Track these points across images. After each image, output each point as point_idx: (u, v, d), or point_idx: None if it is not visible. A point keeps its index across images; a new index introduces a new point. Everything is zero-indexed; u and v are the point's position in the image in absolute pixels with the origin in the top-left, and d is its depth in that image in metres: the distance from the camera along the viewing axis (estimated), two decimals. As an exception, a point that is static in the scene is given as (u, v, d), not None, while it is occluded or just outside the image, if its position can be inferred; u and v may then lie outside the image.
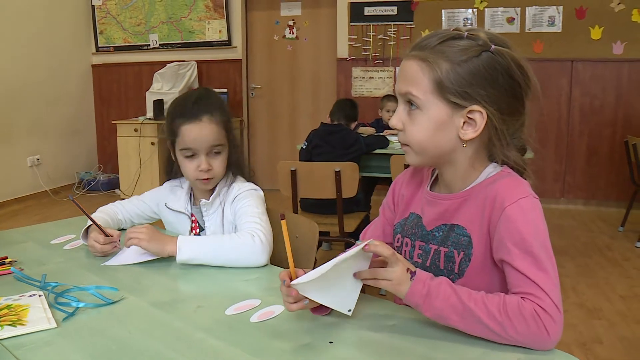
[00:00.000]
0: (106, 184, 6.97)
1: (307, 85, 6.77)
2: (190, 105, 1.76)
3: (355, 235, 3.74)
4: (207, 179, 1.77)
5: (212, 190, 1.81)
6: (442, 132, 1.18)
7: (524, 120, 1.22)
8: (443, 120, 1.17)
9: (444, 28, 5.93)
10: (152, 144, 6.29)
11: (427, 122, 1.18)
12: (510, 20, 5.90)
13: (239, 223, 1.64)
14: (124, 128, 6.50)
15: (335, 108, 4.12)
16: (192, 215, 1.86)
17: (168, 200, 1.90)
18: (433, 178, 1.34)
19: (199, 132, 1.73)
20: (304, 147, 3.93)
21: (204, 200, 1.82)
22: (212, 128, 1.73)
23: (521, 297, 1.07)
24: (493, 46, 1.15)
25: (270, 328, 1.19)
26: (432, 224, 1.28)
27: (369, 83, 6.38)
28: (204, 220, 1.82)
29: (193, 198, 1.88)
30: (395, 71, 6.25)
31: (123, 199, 1.97)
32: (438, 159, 1.24)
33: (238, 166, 1.84)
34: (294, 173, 3.50)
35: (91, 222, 1.69)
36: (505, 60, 1.15)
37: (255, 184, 1.83)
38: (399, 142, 1.26)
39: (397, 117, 1.22)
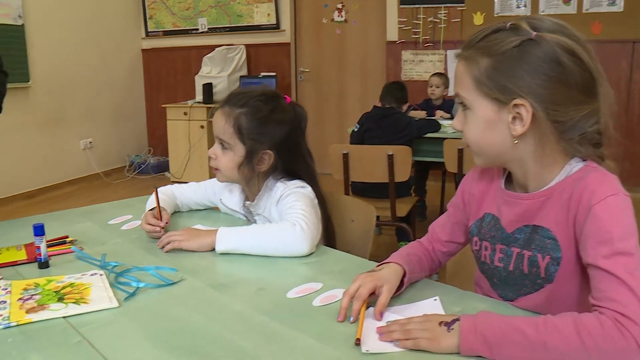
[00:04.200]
0: (156, 167, 7.06)
1: (356, 68, 6.70)
2: (231, 93, 1.76)
3: (406, 220, 3.70)
4: (215, 168, 1.75)
5: (258, 190, 1.78)
6: (492, 130, 1.14)
7: (596, 109, 1.11)
8: (491, 117, 1.12)
9: (496, 11, 5.83)
10: (202, 127, 6.33)
11: (477, 121, 1.15)
12: (567, 1, 5.70)
13: (283, 218, 1.60)
14: (173, 111, 6.56)
15: (385, 91, 4.06)
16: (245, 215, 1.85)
17: (223, 196, 1.90)
18: (505, 175, 1.27)
19: (214, 117, 1.73)
20: (356, 129, 3.89)
21: (248, 202, 1.80)
22: (221, 120, 1.69)
23: (603, 308, 0.97)
24: (534, 33, 1.07)
25: (333, 312, 1.16)
26: (512, 226, 1.21)
27: (419, 66, 6.27)
28: (255, 220, 1.80)
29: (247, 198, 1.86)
30: (446, 54, 6.13)
31: (173, 182, 1.96)
32: (499, 159, 1.19)
33: (289, 172, 1.75)
34: (345, 156, 3.46)
35: (154, 206, 1.71)
36: (549, 47, 1.06)
37: (314, 185, 1.75)
38: (463, 143, 1.23)
39: (457, 119, 1.20)
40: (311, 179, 1.75)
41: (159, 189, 1.77)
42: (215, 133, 1.73)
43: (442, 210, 4.94)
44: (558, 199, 1.13)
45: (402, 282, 1.23)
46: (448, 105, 4.85)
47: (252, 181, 1.75)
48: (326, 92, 6.86)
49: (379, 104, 3.99)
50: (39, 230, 1.44)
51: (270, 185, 1.74)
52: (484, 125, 1.14)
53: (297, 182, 1.71)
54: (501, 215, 1.24)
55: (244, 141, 1.68)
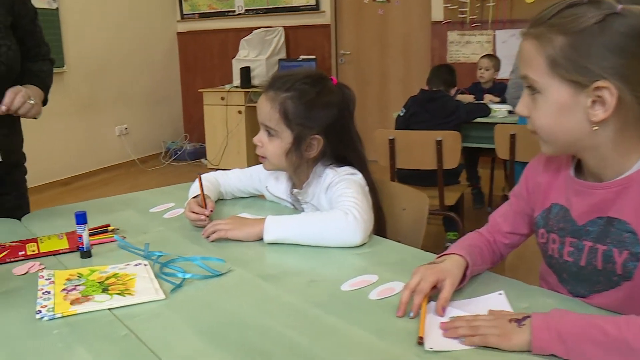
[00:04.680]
0: (192, 154, 7.11)
1: (399, 51, 6.61)
2: (274, 76, 1.73)
3: (455, 209, 3.64)
4: (261, 156, 1.73)
5: (306, 177, 1.75)
6: (567, 115, 1.06)
7: None
8: (566, 102, 1.05)
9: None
10: (239, 112, 6.35)
11: (549, 106, 1.08)
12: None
13: (334, 206, 1.57)
14: (210, 96, 6.59)
15: (433, 74, 4.02)
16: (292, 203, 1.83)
17: (269, 183, 1.88)
18: (575, 163, 1.20)
19: (259, 103, 1.70)
20: (402, 114, 3.84)
21: (296, 190, 1.78)
22: (266, 106, 1.66)
23: None
24: (620, 6, 0.99)
25: (391, 306, 1.13)
26: (584, 218, 1.15)
27: (465, 48, 6.16)
28: (303, 208, 1.78)
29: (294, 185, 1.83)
30: (494, 35, 6.00)
31: (210, 169, 1.94)
32: (572, 146, 1.12)
33: (339, 157, 1.72)
34: (392, 142, 3.42)
35: (198, 193, 1.70)
36: (638, 21, 0.99)
37: (364, 171, 1.72)
38: (529, 130, 1.16)
39: (522, 103, 1.13)
40: (361, 165, 1.72)
41: (202, 176, 1.76)
42: (260, 119, 1.70)
43: (491, 199, 4.87)
44: (638, 189, 1.07)
45: (464, 275, 1.19)
46: (498, 88, 4.75)
47: (300, 168, 1.73)
48: (368, 75, 6.80)
49: (427, 88, 3.93)
50: (81, 219, 1.44)
51: (319, 172, 1.71)
52: (557, 111, 1.07)
53: (347, 169, 1.68)
54: (571, 206, 1.18)
55: (291, 127, 1.65)
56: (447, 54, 6.24)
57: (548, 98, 1.08)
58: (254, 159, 6.94)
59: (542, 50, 1.06)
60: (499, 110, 4.01)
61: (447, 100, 3.79)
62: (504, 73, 5.04)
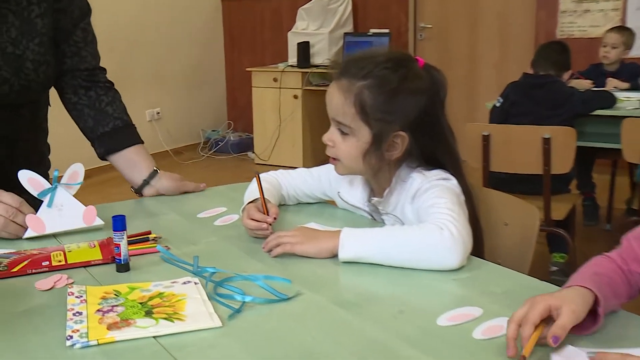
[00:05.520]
0: (237, 146, 7.20)
1: (492, 24, 6.55)
2: (347, 60, 1.72)
3: (564, 225, 3.57)
4: (332, 158, 1.72)
5: (388, 183, 1.74)
6: None
7: None
8: None
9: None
10: (295, 97, 6.40)
11: None
12: None
13: (423, 218, 1.56)
14: (260, 77, 6.65)
15: (540, 54, 3.98)
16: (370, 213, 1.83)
17: (342, 188, 1.88)
18: None
19: (328, 94, 1.69)
20: (498, 104, 3.81)
21: (375, 199, 1.77)
22: (339, 98, 1.64)
23: None
24: None
25: (501, 349, 1.10)
26: None
27: (582, 19, 6.02)
28: (383, 219, 1.78)
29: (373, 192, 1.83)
30: (625, 0, 5.80)
31: (258, 165, 1.97)
32: None
33: (428, 158, 1.71)
34: (486, 139, 3.38)
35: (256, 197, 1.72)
36: None
37: (459, 176, 1.69)
38: None
39: None
40: (455, 168, 1.70)
41: (260, 176, 1.77)
42: (330, 114, 1.70)
43: (611, 213, 4.73)
44: None
45: (595, 313, 1.15)
46: (627, 71, 4.59)
47: (380, 172, 1.72)
48: (453, 55, 6.77)
49: (531, 71, 3.88)
50: (119, 224, 1.45)
51: (404, 176, 1.70)
52: None
53: (438, 173, 1.67)
54: None
55: (370, 123, 1.63)
56: (558, 27, 6.11)
57: None
58: (311, 154, 6.97)
59: None
60: (627, 100, 3.92)
61: (558, 86, 3.75)
62: (635, 51, 4.86)
